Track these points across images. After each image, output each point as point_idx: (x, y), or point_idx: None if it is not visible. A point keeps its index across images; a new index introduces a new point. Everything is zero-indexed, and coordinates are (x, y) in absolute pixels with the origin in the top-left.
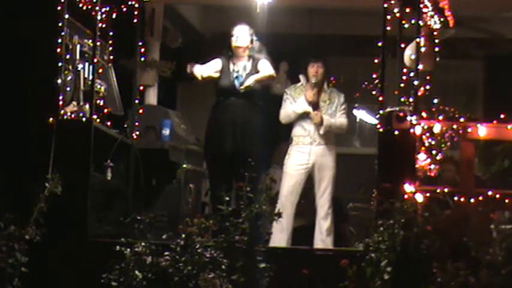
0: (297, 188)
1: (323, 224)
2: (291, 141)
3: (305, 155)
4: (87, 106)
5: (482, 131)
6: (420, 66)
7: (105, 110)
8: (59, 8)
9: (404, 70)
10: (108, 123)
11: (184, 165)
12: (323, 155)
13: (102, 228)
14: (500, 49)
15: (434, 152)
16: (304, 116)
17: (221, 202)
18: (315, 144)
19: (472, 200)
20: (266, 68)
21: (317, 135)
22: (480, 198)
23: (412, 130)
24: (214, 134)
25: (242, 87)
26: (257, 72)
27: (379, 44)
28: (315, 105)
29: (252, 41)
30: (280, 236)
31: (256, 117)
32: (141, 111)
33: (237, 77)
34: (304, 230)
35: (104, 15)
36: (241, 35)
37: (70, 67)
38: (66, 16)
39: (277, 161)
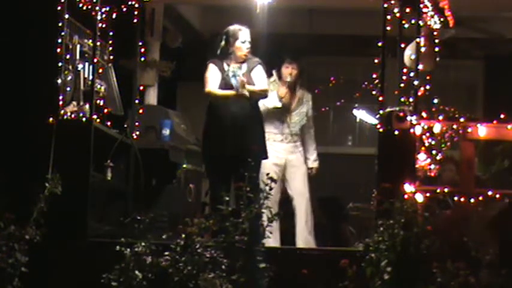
0: (276, 187)
1: (303, 222)
2: None
3: (277, 153)
4: (87, 106)
5: (482, 131)
6: (420, 66)
7: (105, 110)
8: (59, 8)
9: (404, 70)
10: (108, 123)
11: (184, 165)
12: (293, 152)
13: (102, 228)
14: (500, 49)
15: (434, 152)
16: (277, 113)
17: (221, 202)
18: (286, 141)
19: (472, 200)
20: (261, 81)
21: (288, 133)
22: (480, 198)
23: (412, 130)
24: (212, 134)
25: (241, 89)
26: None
27: (379, 44)
28: (286, 103)
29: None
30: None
31: (254, 116)
32: (141, 111)
33: (234, 76)
34: (291, 231)
35: (104, 15)
36: (248, 43)
37: (70, 67)
38: (66, 16)
39: None
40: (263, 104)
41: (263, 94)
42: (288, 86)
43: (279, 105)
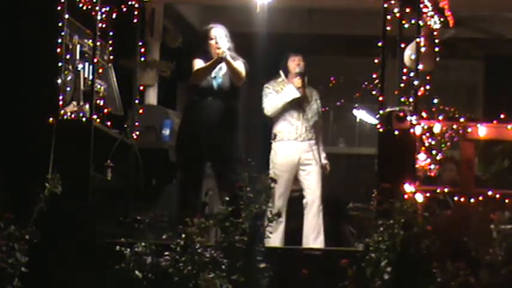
0: (289, 185)
1: (314, 222)
2: (274, 137)
3: (291, 151)
4: (87, 106)
5: (482, 131)
6: (420, 66)
7: (105, 110)
8: (59, 8)
9: (404, 70)
10: (108, 123)
11: None
12: (308, 151)
13: (102, 228)
14: (500, 49)
15: (434, 152)
16: (291, 110)
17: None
18: (300, 139)
19: (472, 200)
20: (240, 67)
21: (303, 130)
22: (480, 198)
23: (412, 130)
24: (190, 135)
25: (221, 51)
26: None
27: (379, 44)
28: (302, 95)
29: (228, 42)
30: (273, 236)
31: (233, 118)
32: (141, 111)
33: (214, 77)
34: (297, 231)
35: (104, 15)
36: (221, 41)
37: (70, 67)
38: (66, 16)
39: None
40: (282, 101)
41: (239, 74)
42: (301, 76)
43: (298, 95)
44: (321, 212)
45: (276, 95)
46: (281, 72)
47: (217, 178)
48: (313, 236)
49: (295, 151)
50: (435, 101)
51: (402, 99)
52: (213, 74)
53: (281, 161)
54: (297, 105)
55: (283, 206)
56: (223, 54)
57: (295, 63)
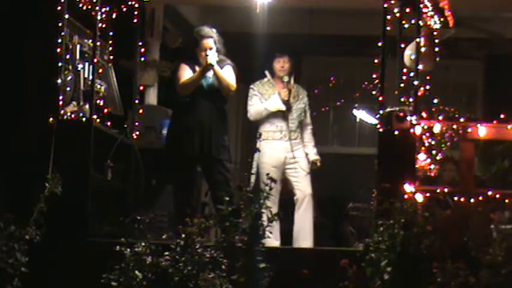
0: (277, 185)
1: (304, 218)
2: (259, 136)
3: (277, 150)
4: (87, 106)
5: (482, 131)
6: (420, 66)
7: (105, 110)
8: (59, 8)
9: (404, 70)
10: (108, 123)
11: None
12: (293, 150)
13: (102, 228)
14: (500, 49)
15: (434, 152)
16: (276, 113)
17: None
18: (285, 139)
19: (472, 200)
20: (230, 77)
21: (288, 130)
22: (480, 198)
23: (412, 130)
24: (180, 135)
25: (209, 60)
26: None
27: (379, 44)
28: (288, 104)
29: (217, 48)
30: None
31: (222, 117)
32: (141, 111)
33: (204, 77)
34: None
35: (104, 15)
36: (211, 50)
37: (70, 67)
38: (66, 16)
39: None
40: (265, 108)
41: (227, 85)
42: (288, 86)
43: (283, 108)
44: (311, 208)
45: (259, 102)
46: (267, 73)
47: (207, 179)
48: (303, 232)
49: (280, 151)
50: (435, 101)
51: (402, 99)
52: None
53: (267, 161)
54: (284, 107)
55: (274, 205)
56: (211, 61)
57: (279, 66)
